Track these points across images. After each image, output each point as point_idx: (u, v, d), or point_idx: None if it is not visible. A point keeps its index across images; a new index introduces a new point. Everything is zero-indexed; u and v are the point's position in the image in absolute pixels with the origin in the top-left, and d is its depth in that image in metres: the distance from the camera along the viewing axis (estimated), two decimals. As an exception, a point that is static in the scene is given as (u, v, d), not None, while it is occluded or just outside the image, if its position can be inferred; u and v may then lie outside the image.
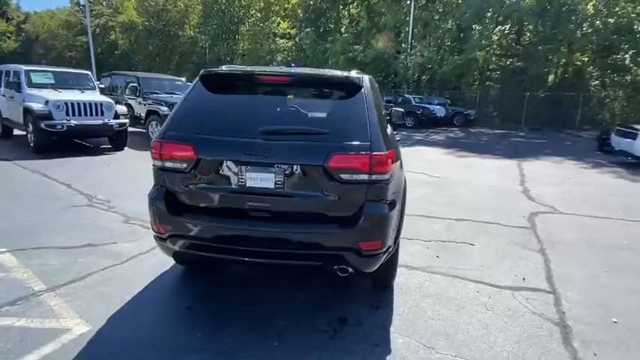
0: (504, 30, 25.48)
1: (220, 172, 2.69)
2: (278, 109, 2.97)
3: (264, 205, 2.68)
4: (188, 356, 2.50)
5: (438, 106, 23.85)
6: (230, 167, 2.68)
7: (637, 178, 9.07)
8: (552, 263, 4.15)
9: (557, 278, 3.81)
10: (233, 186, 2.68)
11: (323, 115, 2.90)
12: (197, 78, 3.05)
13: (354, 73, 2.99)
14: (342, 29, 34.49)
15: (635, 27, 21.18)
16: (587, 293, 3.54)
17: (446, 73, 27.08)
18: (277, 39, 38.72)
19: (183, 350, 2.56)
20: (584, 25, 21.96)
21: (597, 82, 24.51)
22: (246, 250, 2.71)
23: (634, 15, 20.80)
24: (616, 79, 23.53)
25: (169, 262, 3.59)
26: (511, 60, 25.46)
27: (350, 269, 2.70)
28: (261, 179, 2.64)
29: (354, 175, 2.58)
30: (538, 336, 2.88)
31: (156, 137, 2.84)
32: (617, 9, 21.21)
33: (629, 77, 22.81)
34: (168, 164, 2.76)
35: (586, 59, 24.46)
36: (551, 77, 26.05)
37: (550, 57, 23.77)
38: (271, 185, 2.63)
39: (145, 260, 3.82)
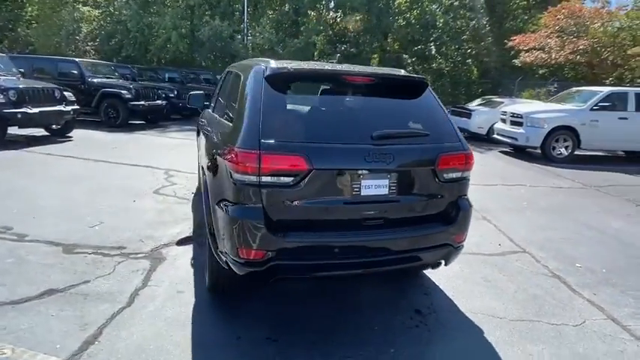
0: (337, 17, 27.75)
1: (333, 182, 2.47)
2: (369, 111, 2.84)
3: (378, 212, 2.59)
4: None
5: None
6: (345, 176, 2.48)
7: (480, 150, 11.53)
8: (502, 229, 5.12)
9: (517, 240, 4.74)
10: (347, 196, 2.50)
11: (408, 115, 2.91)
12: (257, 77, 2.65)
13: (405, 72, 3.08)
14: (168, 2, 31.62)
15: (437, 23, 26.08)
16: (546, 249, 4.53)
17: (286, 56, 28.06)
18: (79, 5, 32.87)
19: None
20: (399, 18, 25.92)
21: (411, 68, 29.25)
22: (358, 262, 2.58)
23: (438, 14, 25.51)
24: (426, 66, 28.55)
25: (186, 290, 3.09)
26: (345, 46, 28.03)
27: (443, 263, 2.88)
28: (375, 186, 2.54)
29: (453, 174, 2.75)
30: (550, 289, 3.64)
31: (240, 147, 2.39)
32: (425, 6, 25.64)
33: (434, 65, 28.01)
34: (268, 179, 2.37)
35: (398, 47, 28.87)
36: (375, 63, 29.75)
37: (375, 44, 27.18)
38: (385, 191, 2.56)
39: (153, 296, 3.12)
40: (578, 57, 13.69)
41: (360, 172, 2.49)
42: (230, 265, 2.56)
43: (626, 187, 7.90)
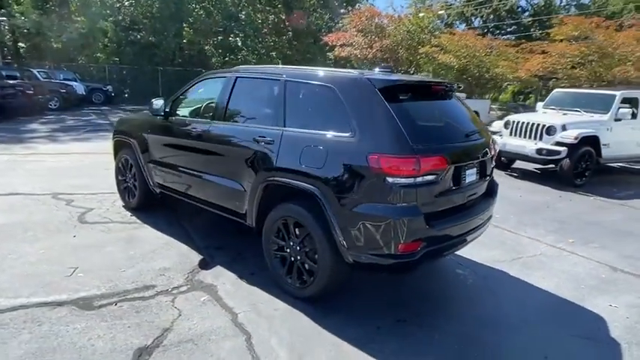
0: (131, 3, 25.10)
1: (454, 175, 2.98)
2: (451, 113, 3.35)
3: (473, 194, 3.25)
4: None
5: (74, 83, 21.27)
6: (459, 169, 3.02)
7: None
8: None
9: (515, 225, 5.52)
10: (461, 186, 3.06)
11: (465, 114, 3.54)
12: (368, 88, 2.90)
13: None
14: None
15: (240, 16, 26.77)
16: (538, 232, 5.13)
17: (65, 42, 23.93)
18: None
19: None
20: (198, 7, 25.51)
21: (217, 59, 29.14)
22: (466, 235, 3.19)
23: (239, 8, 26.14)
24: (232, 57, 28.86)
25: (289, 304, 3.12)
26: (142, 34, 25.70)
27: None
28: (471, 174, 3.18)
29: (493, 160, 3.64)
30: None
31: (400, 154, 2.65)
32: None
33: (240, 57, 28.65)
34: (421, 178, 2.72)
35: (200, 39, 28.35)
36: (179, 53, 28.39)
37: (176, 33, 25.93)
38: (475, 178, 3.24)
39: (269, 321, 2.96)
40: (383, 54, 16.79)
41: (468, 164, 3.09)
42: (371, 261, 2.80)
43: None
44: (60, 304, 3.02)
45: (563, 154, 7.37)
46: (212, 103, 4.06)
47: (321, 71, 3.28)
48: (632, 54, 10.67)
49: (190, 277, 3.54)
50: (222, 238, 4.42)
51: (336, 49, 18.23)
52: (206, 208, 4.08)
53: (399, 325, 3.02)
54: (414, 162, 2.66)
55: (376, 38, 16.98)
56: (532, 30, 37.97)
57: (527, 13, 42.51)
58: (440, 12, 19.99)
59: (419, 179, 2.71)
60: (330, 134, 2.95)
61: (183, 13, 25.70)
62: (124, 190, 5.23)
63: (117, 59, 27.07)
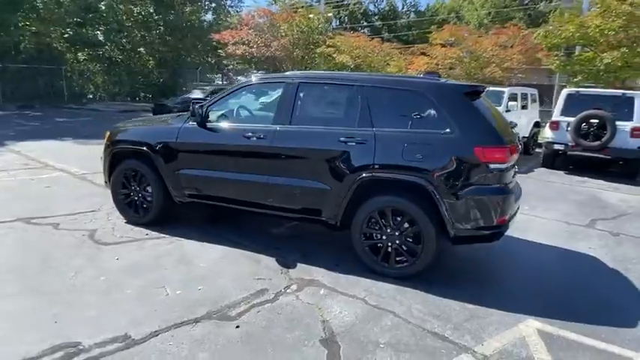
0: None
1: (514, 160, 3.83)
2: (494, 110, 4.11)
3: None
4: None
5: None
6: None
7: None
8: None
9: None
10: (515, 169, 3.90)
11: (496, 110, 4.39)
12: (456, 91, 3.56)
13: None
14: None
15: (101, 6, 24.07)
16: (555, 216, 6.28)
17: None
18: None
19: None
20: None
21: (72, 55, 25.67)
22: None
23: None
24: (92, 53, 25.75)
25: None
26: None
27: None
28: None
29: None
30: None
31: (501, 144, 3.38)
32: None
33: (102, 52, 25.79)
34: (508, 164, 3.49)
35: (55, 32, 24.64)
36: (24, 47, 24.18)
37: (21, 24, 22.12)
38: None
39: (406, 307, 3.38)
40: (281, 53, 17.22)
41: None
42: (472, 234, 3.49)
43: None
44: (197, 320, 2.97)
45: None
46: (270, 107, 4.18)
47: (399, 78, 3.81)
48: (496, 57, 13.42)
49: (287, 277, 3.70)
50: (270, 239, 4.56)
51: (229, 47, 18.02)
52: (263, 212, 4.21)
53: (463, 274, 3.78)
54: (507, 151, 3.42)
55: (271, 37, 17.37)
56: (383, 32, 42.80)
57: (376, 17, 47.50)
58: (329, 14, 21.36)
59: (508, 164, 3.49)
60: (429, 132, 3.52)
61: (25, 0, 22.00)
62: (128, 205, 4.85)
63: None
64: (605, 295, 3.70)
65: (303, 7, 19.38)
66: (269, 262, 3.98)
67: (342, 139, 3.73)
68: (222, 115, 4.44)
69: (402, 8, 49.51)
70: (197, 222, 5.00)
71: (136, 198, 4.79)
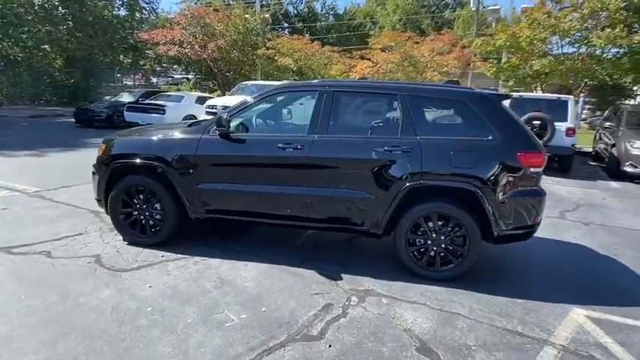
0: None
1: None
2: None
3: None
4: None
5: None
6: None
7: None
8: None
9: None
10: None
11: None
12: (497, 99, 3.84)
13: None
14: None
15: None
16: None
17: None
18: None
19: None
20: None
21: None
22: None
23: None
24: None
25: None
26: None
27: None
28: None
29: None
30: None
31: (538, 150, 3.70)
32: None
33: (-2, 50, 22.72)
34: (541, 169, 3.84)
35: None
36: None
37: None
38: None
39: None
40: (216, 54, 16.59)
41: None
42: (512, 233, 3.79)
43: None
44: (284, 344, 2.86)
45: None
46: (298, 117, 4.11)
47: (440, 87, 3.98)
48: (434, 62, 14.41)
49: (341, 289, 3.68)
50: (298, 251, 4.48)
51: (160, 47, 16.96)
52: (294, 225, 4.16)
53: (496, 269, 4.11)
54: (543, 156, 3.77)
55: (206, 38, 16.72)
56: (305, 34, 43.48)
57: (296, 18, 47.96)
58: (265, 15, 20.99)
59: (542, 168, 3.84)
60: (473, 139, 3.74)
61: None
62: (131, 226, 4.44)
63: None
64: (615, 279, 4.23)
65: (235, 7, 18.87)
66: (313, 275, 3.92)
67: (386, 147, 3.80)
68: (245, 124, 4.25)
69: (322, 10, 50.69)
70: (209, 238, 4.72)
71: (142, 217, 4.39)
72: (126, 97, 16.17)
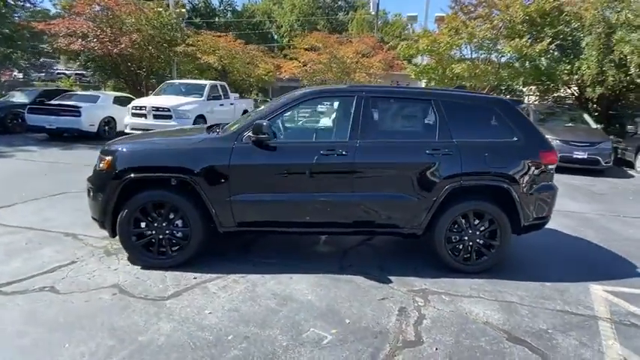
0: None
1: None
2: None
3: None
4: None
5: None
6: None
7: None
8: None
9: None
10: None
11: None
12: (513, 104, 4.22)
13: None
14: None
15: None
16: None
17: None
18: None
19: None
20: None
21: None
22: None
23: None
24: None
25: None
26: None
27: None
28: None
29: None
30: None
31: (550, 149, 4.17)
32: None
33: None
34: (555, 165, 4.32)
35: None
36: None
37: None
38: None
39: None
40: (131, 49, 14.97)
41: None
42: (532, 224, 4.21)
43: None
44: (392, 354, 2.85)
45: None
46: (338, 123, 4.06)
47: (470, 94, 4.25)
48: (360, 63, 14.98)
49: (400, 292, 3.74)
50: (331, 258, 4.42)
51: (60, 40, 14.82)
52: (333, 232, 4.12)
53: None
54: (556, 154, 4.26)
55: (118, 32, 15.08)
56: (202, 30, 41.66)
57: (194, 13, 45.76)
58: (182, 10, 19.39)
59: (555, 166, 4.33)
60: (503, 140, 4.08)
61: None
62: (146, 247, 3.96)
63: None
64: (595, 255, 4.94)
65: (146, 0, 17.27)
66: (364, 281, 3.91)
67: (428, 151, 3.95)
68: (274, 130, 4.05)
69: (220, 6, 49.07)
70: (227, 253, 4.39)
71: (161, 236, 3.93)
72: (19, 98, 13.96)
